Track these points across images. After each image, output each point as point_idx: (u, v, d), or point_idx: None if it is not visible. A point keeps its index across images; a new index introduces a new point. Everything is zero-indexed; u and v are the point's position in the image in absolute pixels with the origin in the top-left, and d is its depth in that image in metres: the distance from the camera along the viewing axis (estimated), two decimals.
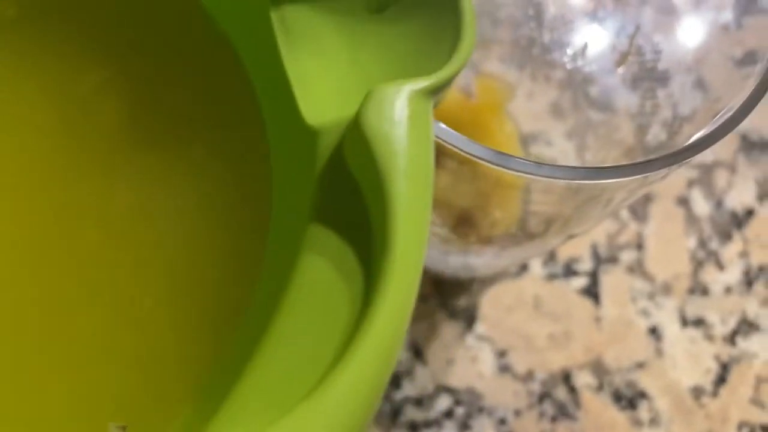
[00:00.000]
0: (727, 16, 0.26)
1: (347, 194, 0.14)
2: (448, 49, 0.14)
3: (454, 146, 0.19)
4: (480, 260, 0.28)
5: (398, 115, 0.13)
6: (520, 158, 0.19)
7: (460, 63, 0.14)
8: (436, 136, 0.19)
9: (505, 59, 0.29)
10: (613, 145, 0.29)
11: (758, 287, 0.32)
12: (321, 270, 0.14)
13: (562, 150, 0.30)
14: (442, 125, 0.19)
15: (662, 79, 0.27)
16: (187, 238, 0.17)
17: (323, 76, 0.15)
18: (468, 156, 0.19)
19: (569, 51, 0.28)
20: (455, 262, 0.28)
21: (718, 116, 0.21)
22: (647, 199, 0.33)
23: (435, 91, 0.14)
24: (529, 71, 0.29)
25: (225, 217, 0.17)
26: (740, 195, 0.33)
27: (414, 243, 0.12)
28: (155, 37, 0.19)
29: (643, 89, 0.27)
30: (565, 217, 0.26)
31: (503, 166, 0.19)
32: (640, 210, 0.32)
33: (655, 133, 0.27)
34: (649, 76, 0.26)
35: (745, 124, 0.34)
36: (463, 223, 0.27)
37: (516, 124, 0.30)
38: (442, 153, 0.20)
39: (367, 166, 0.13)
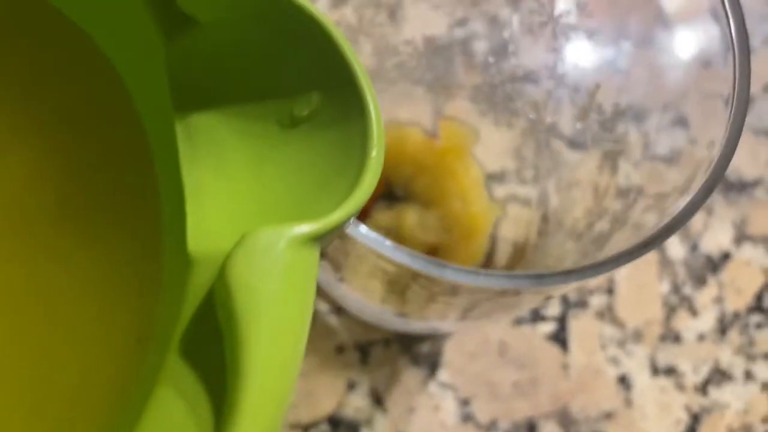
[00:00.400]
0: (706, 54, 0.24)
1: (211, 336, 0.13)
2: (352, 181, 0.13)
3: (385, 256, 0.18)
4: (444, 324, 0.27)
5: (271, 266, 0.12)
6: (455, 266, 0.18)
7: (354, 208, 0.13)
8: (367, 245, 0.18)
9: (469, 104, 0.28)
10: (579, 191, 0.28)
11: (732, 334, 0.31)
12: (173, 408, 0.13)
13: (527, 194, 0.29)
14: (370, 232, 0.18)
15: (626, 130, 0.25)
16: (68, 336, 0.16)
17: (219, 196, 0.14)
18: (399, 264, 0.18)
19: (531, 99, 0.26)
20: (416, 326, 0.27)
21: (674, 203, 0.20)
22: None
23: (321, 237, 0.13)
24: (493, 117, 0.28)
25: (110, 322, 0.16)
26: (716, 237, 0.31)
27: (261, 417, 0.11)
28: (73, 106, 0.18)
29: (607, 139, 0.26)
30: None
31: (438, 276, 0.18)
32: None
33: (626, 174, 0.26)
34: (610, 135, 0.25)
35: None
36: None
37: (481, 167, 0.29)
38: None
39: (230, 318, 0.12)
